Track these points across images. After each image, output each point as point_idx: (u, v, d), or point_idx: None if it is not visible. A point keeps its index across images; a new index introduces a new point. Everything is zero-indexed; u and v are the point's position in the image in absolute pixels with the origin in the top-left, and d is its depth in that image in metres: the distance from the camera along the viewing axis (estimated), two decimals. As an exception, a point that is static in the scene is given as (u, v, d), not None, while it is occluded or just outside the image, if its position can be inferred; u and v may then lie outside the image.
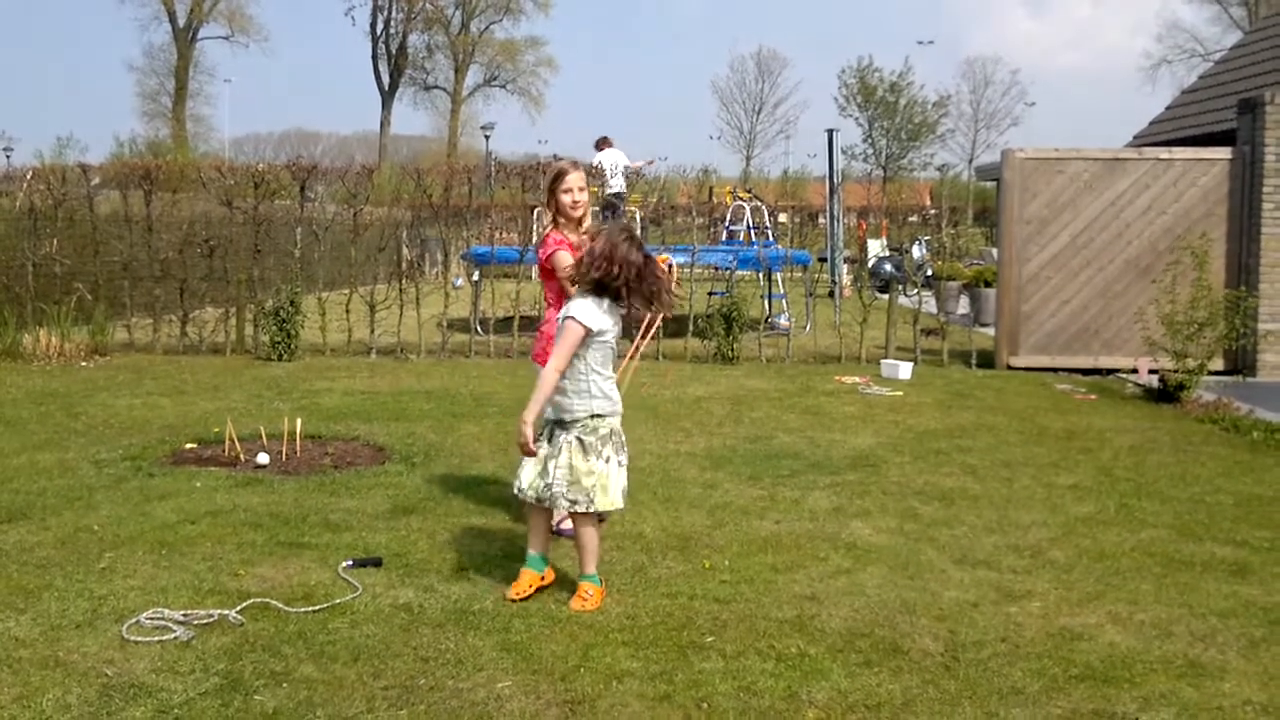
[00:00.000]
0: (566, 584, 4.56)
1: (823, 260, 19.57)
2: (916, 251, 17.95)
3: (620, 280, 4.28)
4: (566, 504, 4.34)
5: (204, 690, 3.58)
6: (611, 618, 4.24)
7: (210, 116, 63.97)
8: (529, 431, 4.30)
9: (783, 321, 14.06)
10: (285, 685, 3.62)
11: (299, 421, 7.11)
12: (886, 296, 13.62)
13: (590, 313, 4.31)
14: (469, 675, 3.72)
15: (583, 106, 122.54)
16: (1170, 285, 9.90)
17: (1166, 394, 9.53)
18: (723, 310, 11.91)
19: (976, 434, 8.02)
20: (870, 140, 59.44)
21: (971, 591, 4.63)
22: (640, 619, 4.24)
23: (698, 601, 4.44)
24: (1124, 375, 10.91)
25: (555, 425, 4.40)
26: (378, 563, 4.83)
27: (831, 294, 16.62)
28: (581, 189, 5.01)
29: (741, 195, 21.39)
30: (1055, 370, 11.35)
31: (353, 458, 6.93)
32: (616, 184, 17.16)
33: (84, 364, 11.13)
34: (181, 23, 56.55)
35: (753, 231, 18.83)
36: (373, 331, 12.31)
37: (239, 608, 4.26)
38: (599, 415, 4.36)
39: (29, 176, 13.53)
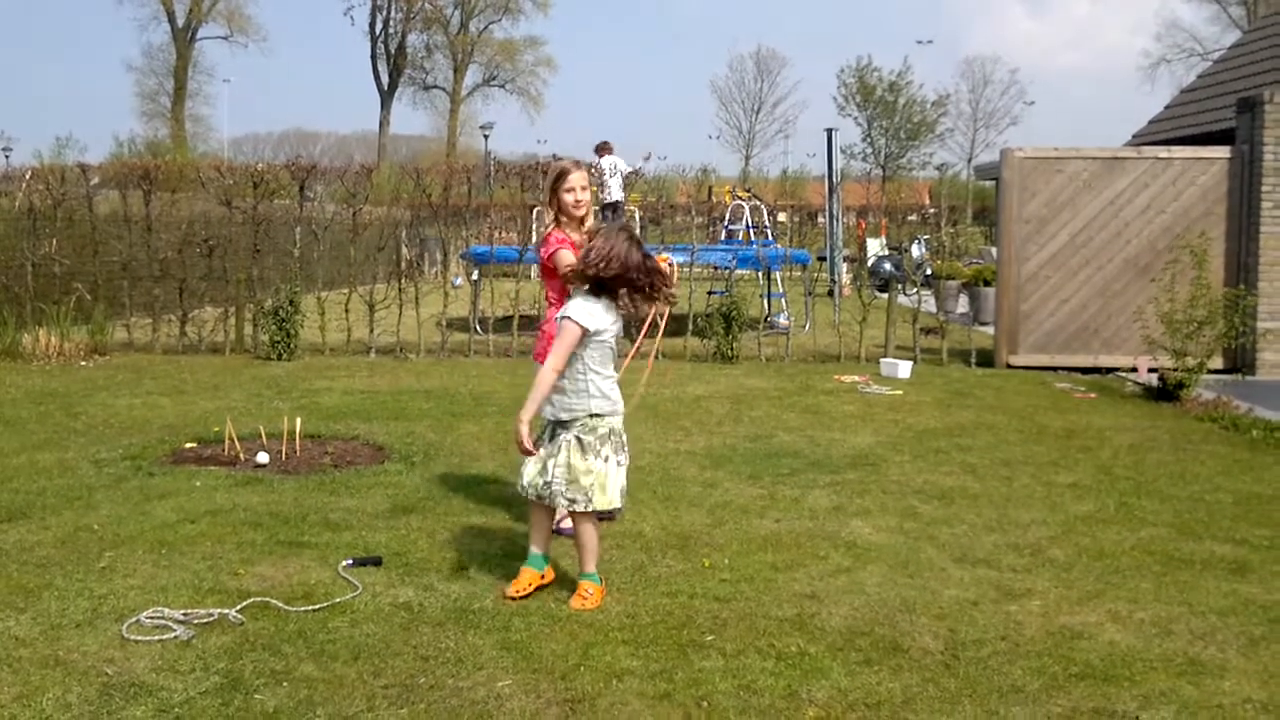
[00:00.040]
0: (566, 583, 4.56)
1: (822, 259, 19.57)
2: (916, 250, 17.93)
3: (619, 279, 4.29)
4: (565, 502, 4.35)
5: (204, 689, 3.58)
6: (611, 616, 4.25)
7: (209, 116, 64.12)
8: (524, 430, 4.31)
9: (782, 320, 14.07)
10: (285, 684, 3.62)
11: (298, 421, 7.11)
12: (886, 295, 13.62)
13: (587, 312, 4.32)
14: (469, 674, 3.73)
15: (582, 106, 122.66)
16: (1169, 284, 9.91)
17: (1166, 392, 9.53)
18: (722, 309, 11.92)
19: (976, 433, 8.03)
20: (869, 139, 59.41)
21: (971, 590, 4.63)
22: (640, 618, 4.24)
23: (698, 600, 4.44)
24: (1123, 374, 10.92)
25: (556, 424, 4.41)
26: (378, 562, 4.83)
27: (831, 293, 16.62)
28: (584, 188, 5.01)
29: (741, 194, 21.42)
30: (1055, 369, 11.35)
31: (352, 457, 6.93)
32: (615, 191, 17.12)
33: (83, 364, 11.13)
34: (180, 23, 56.54)
35: (752, 231, 18.84)
36: (372, 331, 12.31)
37: (239, 607, 4.26)
38: (597, 415, 4.36)
39: (28, 176, 13.54)
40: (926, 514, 5.81)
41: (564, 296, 4.78)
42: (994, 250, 14.85)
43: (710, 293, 14.29)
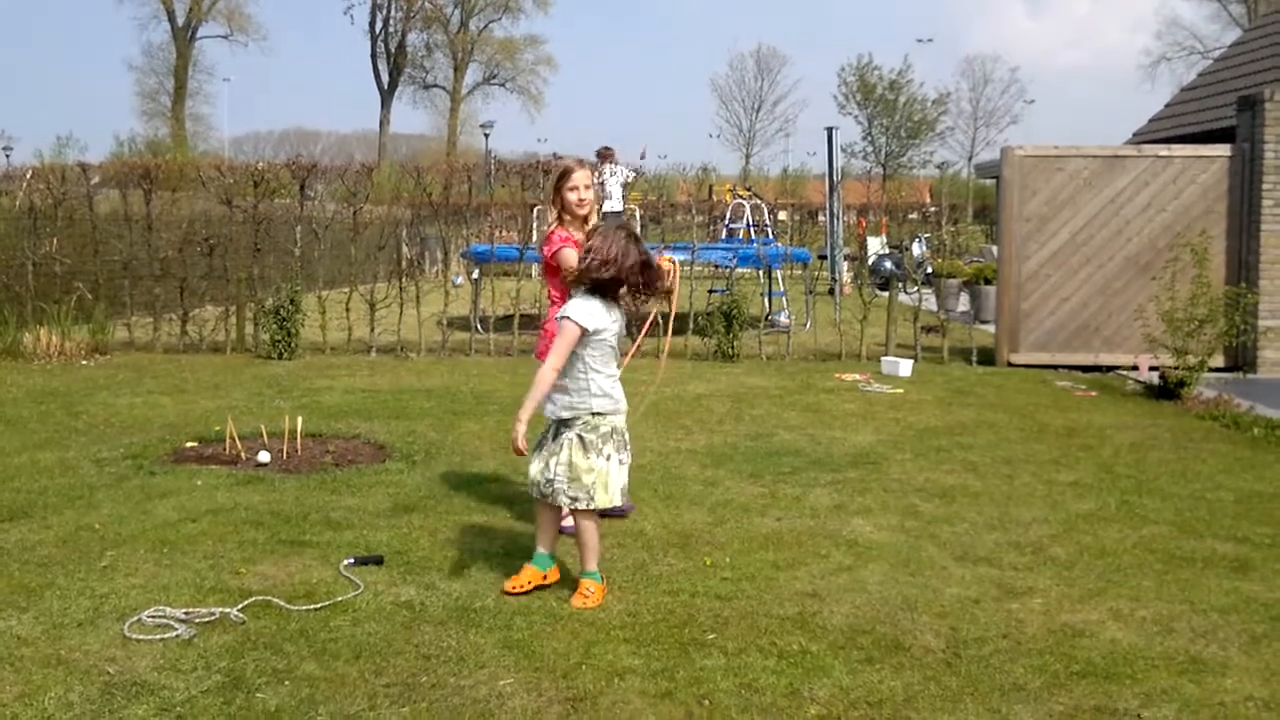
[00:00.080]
0: (568, 581, 4.56)
1: (823, 258, 19.57)
2: (916, 249, 17.93)
3: (616, 280, 4.29)
4: (567, 500, 4.36)
5: (206, 688, 3.58)
6: (613, 615, 4.25)
7: (209, 115, 64.04)
8: (522, 430, 4.30)
9: (783, 319, 14.06)
10: (287, 683, 3.63)
11: (300, 420, 7.11)
12: (886, 294, 13.62)
13: (587, 312, 4.32)
14: (470, 673, 3.73)
15: (582, 105, 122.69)
16: (1170, 282, 9.91)
17: (1167, 391, 9.53)
18: (723, 308, 11.92)
19: (977, 431, 8.03)
20: (870, 138, 59.45)
21: (973, 588, 4.63)
22: (642, 616, 4.24)
23: (699, 599, 4.44)
24: (1124, 372, 10.92)
25: (558, 423, 4.41)
26: (379, 560, 4.83)
27: (832, 291, 16.61)
28: (588, 186, 5.01)
29: (741, 193, 21.43)
30: (1055, 367, 11.35)
31: (353, 456, 6.93)
32: (616, 200, 17.08)
33: (84, 363, 11.13)
34: (180, 22, 56.58)
35: (752, 229, 18.84)
36: (373, 330, 12.31)
37: (240, 606, 4.26)
38: (599, 413, 4.36)
39: (29, 175, 13.52)
40: (928, 512, 5.81)
41: (566, 295, 4.78)
42: (995, 249, 14.85)
43: (711, 291, 14.29)
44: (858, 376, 10.61)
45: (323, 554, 4.94)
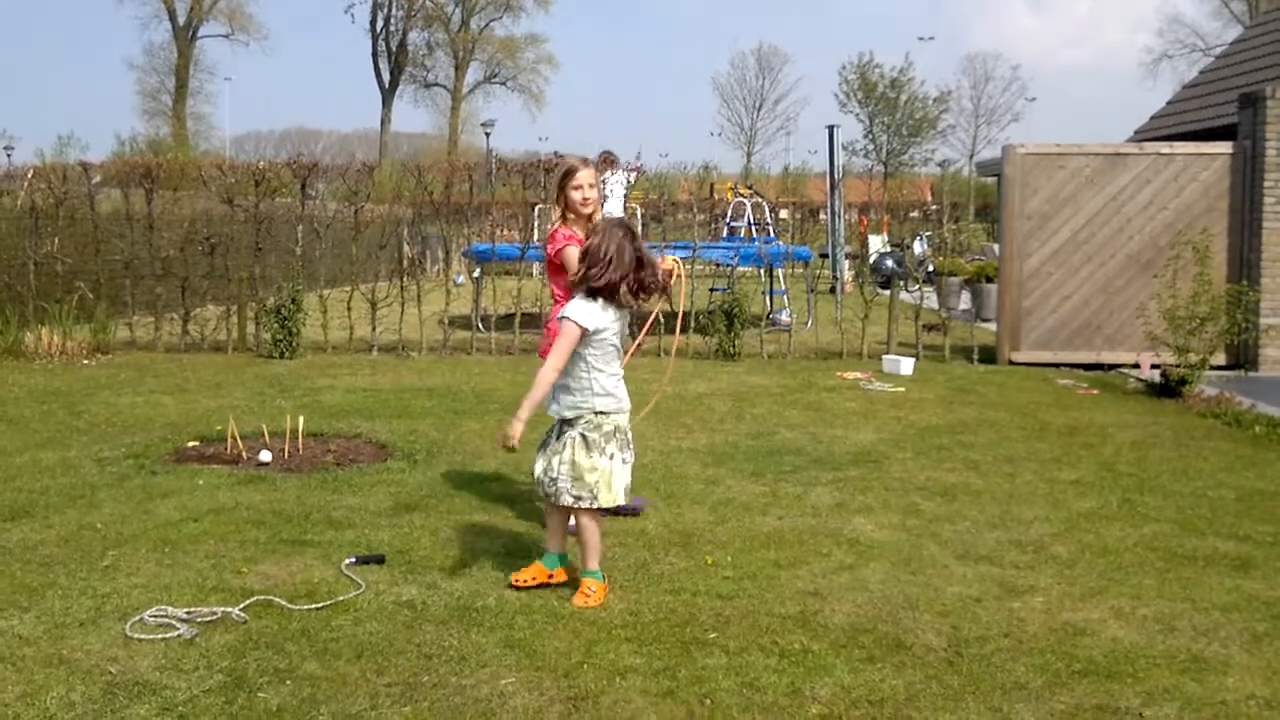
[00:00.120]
0: (569, 580, 4.56)
1: (824, 256, 19.58)
2: (918, 247, 17.92)
3: (618, 280, 4.29)
4: (570, 499, 4.36)
5: (207, 688, 3.58)
6: (614, 614, 4.25)
7: (211, 115, 64.04)
8: (520, 429, 4.28)
9: (784, 318, 14.06)
10: (289, 682, 3.63)
11: (301, 419, 7.11)
12: (888, 292, 13.62)
13: (586, 312, 4.32)
14: (472, 672, 3.73)
15: (583, 103, 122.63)
16: (1171, 280, 9.90)
17: (1168, 389, 9.52)
18: (724, 307, 11.92)
19: (978, 429, 8.02)
20: (871, 136, 59.36)
21: (974, 587, 4.63)
22: (643, 615, 4.24)
23: (700, 598, 4.44)
24: (1126, 370, 10.91)
25: (562, 422, 4.41)
26: (380, 560, 4.83)
27: (833, 290, 16.62)
28: (592, 185, 5.02)
29: (742, 192, 21.43)
30: (1057, 365, 11.35)
31: (355, 455, 6.93)
32: (616, 205, 17.05)
33: (86, 362, 11.13)
34: (181, 21, 56.54)
35: (754, 228, 18.84)
36: (374, 329, 12.31)
37: (242, 605, 4.26)
38: (602, 413, 4.37)
39: (30, 175, 13.53)
40: (929, 511, 5.81)
41: (569, 293, 4.78)
42: (996, 247, 14.84)
43: (712, 290, 14.29)
44: (859, 375, 10.61)
45: (324, 553, 4.94)
